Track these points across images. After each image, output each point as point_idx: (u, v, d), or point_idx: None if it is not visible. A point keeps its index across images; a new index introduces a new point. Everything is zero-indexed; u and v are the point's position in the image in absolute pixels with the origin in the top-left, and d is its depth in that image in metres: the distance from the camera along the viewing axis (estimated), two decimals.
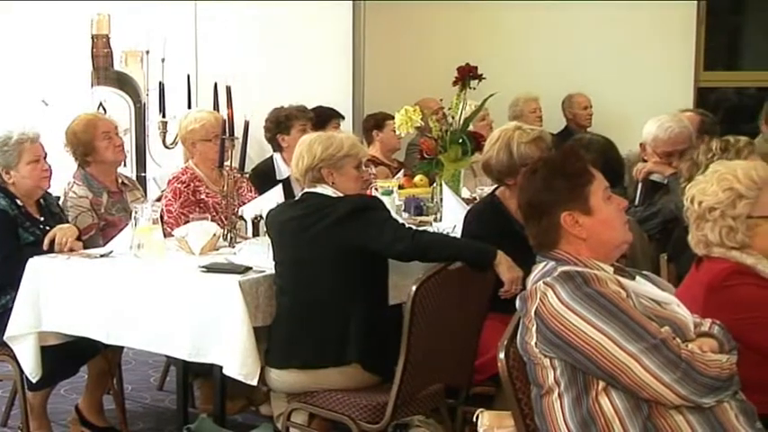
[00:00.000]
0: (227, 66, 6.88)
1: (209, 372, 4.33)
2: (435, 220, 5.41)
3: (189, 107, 6.78)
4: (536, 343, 2.72)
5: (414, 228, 4.12)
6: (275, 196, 5.11)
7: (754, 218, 3.10)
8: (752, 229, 3.11)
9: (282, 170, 6.17)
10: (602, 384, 2.67)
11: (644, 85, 8.52)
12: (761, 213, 3.11)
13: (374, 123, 7.36)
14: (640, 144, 5.45)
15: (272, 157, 6.35)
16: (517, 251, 3.76)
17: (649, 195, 5.22)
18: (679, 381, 2.60)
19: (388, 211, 4.13)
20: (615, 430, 2.66)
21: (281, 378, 3.99)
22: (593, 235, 2.80)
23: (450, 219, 5.11)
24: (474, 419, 2.99)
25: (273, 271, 4.08)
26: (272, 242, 4.16)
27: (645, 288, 2.84)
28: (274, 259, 4.09)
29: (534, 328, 2.71)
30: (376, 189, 5.52)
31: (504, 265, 3.90)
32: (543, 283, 2.72)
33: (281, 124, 6.26)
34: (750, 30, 10.09)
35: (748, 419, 2.72)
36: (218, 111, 5.78)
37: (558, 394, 2.72)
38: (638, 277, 2.89)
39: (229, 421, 4.52)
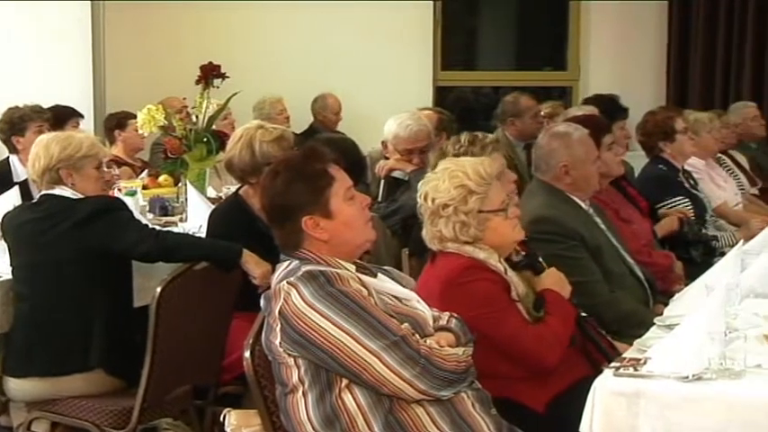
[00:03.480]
0: None
1: None
2: (181, 220, 5.35)
3: None
4: (280, 342, 2.74)
5: (158, 228, 4.06)
6: (12, 199, 4.91)
7: (484, 212, 3.22)
8: (483, 223, 3.22)
9: (19, 172, 5.92)
10: (345, 381, 2.72)
11: (385, 85, 8.74)
12: (490, 208, 3.23)
13: (116, 123, 7.19)
14: (382, 142, 5.57)
15: (7, 158, 6.09)
16: (263, 249, 3.78)
17: (392, 192, 5.34)
18: (418, 376, 2.69)
19: (131, 212, 4.06)
20: (359, 425, 2.72)
21: (21, 387, 3.85)
22: (335, 236, 2.84)
23: (196, 219, 5.05)
24: (222, 419, 2.99)
25: (10, 276, 3.93)
26: (8, 247, 4.01)
27: (386, 285, 2.91)
28: (11, 264, 3.94)
29: (279, 328, 2.73)
30: (119, 190, 5.39)
31: (252, 262, 3.90)
32: (287, 282, 2.75)
33: (15, 125, 6.00)
34: (485, 31, 10.50)
35: (484, 406, 2.86)
36: None
37: (303, 392, 2.75)
38: (379, 274, 2.96)
39: None
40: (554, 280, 3.41)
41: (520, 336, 3.17)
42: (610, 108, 6.63)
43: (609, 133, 4.73)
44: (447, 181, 3.22)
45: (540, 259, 3.49)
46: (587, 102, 7.40)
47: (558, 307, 3.32)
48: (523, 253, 3.48)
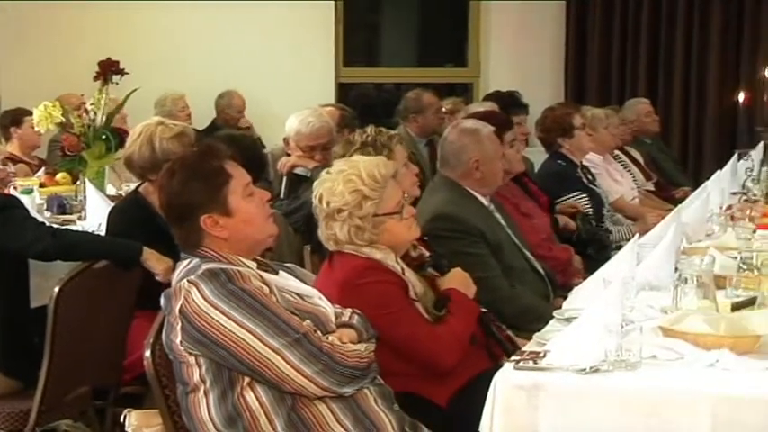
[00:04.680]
0: None
1: None
2: (80, 218, 5.26)
3: None
4: (181, 341, 2.72)
5: (55, 227, 3.98)
6: None
7: (380, 216, 3.22)
8: (378, 226, 3.22)
9: None
10: (246, 379, 2.72)
11: (287, 82, 8.74)
12: (385, 211, 3.22)
13: (11, 120, 7.05)
14: (284, 139, 5.56)
15: None
16: (164, 247, 3.74)
17: (294, 189, 5.32)
18: (320, 373, 2.69)
19: (27, 210, 3.98)
20: (261, 423, 2.72)
21: None
22: (235, 234, 2.82)
23: (95, 217, 4.98)
24: (122, 420, 2.95)
25: None
26: None
27: (288, 282, 2.91)
28: None
29: (179, 326, 2.71)
30: (15, 188, 5.29)
31: (153, 259, 3.86)
32: (187, 280, 2.73)
33: None
34: (387, 27, 10.55)
35: (386, 402, 2.87)
36: None
37: (204, 391, 2.74)
38: (281, 271, 2.95)
39: None
40: (459, 280, 3.44)
41: (417, 336, 3.18)
42: (509, 104, 6.72)
43: (510, 130, 4.79)
44: (342, 185, 3.19)
45: (444, 260, 3.51)
46: (487, 98, 7.49)
47: (461, 307, 3.34)
48: (428, 253, 3.51)
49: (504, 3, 9.17)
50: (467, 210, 4.17)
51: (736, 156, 6.08)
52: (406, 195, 3.37)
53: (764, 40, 8.78)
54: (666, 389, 2.55)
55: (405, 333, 3.16)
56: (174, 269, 2.92)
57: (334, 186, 3.21)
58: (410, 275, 3.27)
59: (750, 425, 2.46)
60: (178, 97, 8.22)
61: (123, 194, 5.37)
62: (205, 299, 2.68)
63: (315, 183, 3.34)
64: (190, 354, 2.72)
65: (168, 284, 2.90)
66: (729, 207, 4.79)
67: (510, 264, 4.19)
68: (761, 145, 5.85)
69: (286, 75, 8.85)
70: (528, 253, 4.38)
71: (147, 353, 2.82)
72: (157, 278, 3.82)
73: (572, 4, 9.14)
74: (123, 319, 3.96)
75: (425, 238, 3.66)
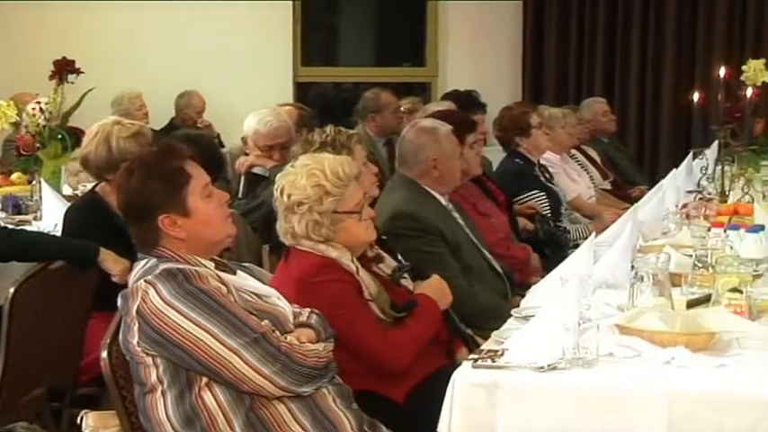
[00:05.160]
0: None
1: None
2: (35, 218, 5.22)
3: None
4: (138, 341, 2.71)
5: (11, 227, 3.95)
6: None
7: (339, 213, 3.22)
8: (336, 223, 3.22)
9: None
10: (204, 380, 2.71)
11: (246, 81, 8.73)
12: (345, 209, 3.23)
13: None
14: (242, 138, 5.54)
15: None
16: (121, 247, 3.72)
17: (252, 188, 5.31)
18: (278, 372, 2.69)
19: None
20: (219, 424, 2.71)
21: None
22: (193, 234, 2.81)
23: (52, 217, 4.94)
24: (79, 421, 2.93)
25: None
26: None
27: (246, 282, 2.90)
28: None
29: (136, 327, 2.70)
30: None
31: (110, 260, 3.84)
32: (144, 281, 2.71)
33: None
34: (345, 27, 10.55)
35: (345, 401, 2.87)
36: None
37: (162, 392, 2.72)
38: (239, 271, 2.94)
39: None
40: (435, 287, 3.45)
41: (368, 337, 3.18)
42: (467, 103, 6.73)
43: (472, 132, 4.81)
44: (305, 178, 3.20)
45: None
46: (445, 97, 7.50)
47: (425, 312, 3.34)
48: (406, 262, 3.52)
49: (462, 3, 9.21)
50: (425, 209, 4.18)
51: (691, 155, 6.13)
52: (367, 195, 3.37)
53: (718, 41, 8.88)
54: (623, 386, 2.58)
55: (357, 333, 3.15)
56: (130, 271, 2.90)
57: (296, 179, 3.22)
58: (364, 276, 3.26)
59: (705, 421, 2.49)
60: (135, 96, 8.17)
61: (80, 194, 5.34)
62: (162, 299, 2.67)
63: (278, 175, 3.34)
64: (147, 354, 2.71)
65: (125, 285, 2.88)
66: (685, 205, 4.84)
67: (468, 263, 4.20)
68: (715, 144, 5.90)
69: (244, 74, 8.83)
70: (486, 252, 4.40)
71: (104, 354, 2.80)
72: (114, 279, 3.80)
73: (529, 4, 9.19)
74: (80, 320, 3.93)
75: (384, 237, 3.67)
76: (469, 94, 7.27)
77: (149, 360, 2.71)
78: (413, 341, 3.26)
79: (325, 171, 3.21)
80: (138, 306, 2.69)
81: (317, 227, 3.20)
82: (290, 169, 3.29)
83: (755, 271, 3.36)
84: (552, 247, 5.53)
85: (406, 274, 3.51)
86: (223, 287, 2.74)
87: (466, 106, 6.47)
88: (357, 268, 3.25)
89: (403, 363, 3.23)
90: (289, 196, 3.21)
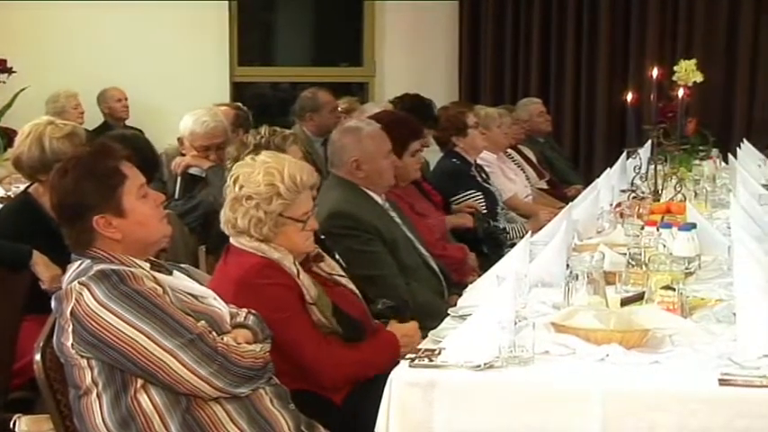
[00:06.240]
0: None
1: None
2: None
3: None
4: (72, 344, 2.68)
5: None
6: None
7: (284, 217, 3.20)
8: (279, 226, 3.20)
9: None
10: (140, 382, 2.69)
11: (182, 81, 8.68)
12: (291, 215, 3.21)
13: None
14: (178, 138, 5.50)
15: None
16: (54, 250, 3.67)
17: (189, 189, 5.28)
18: (215, 373, 2.68)
19: None
20: (155, 426, 2.69)
21: None
22: (129, 235, 2.79)
23: None
24: (12, 426, 2.89)
25: None
26: None
27: (182, 283, 2.88)
28: None
29: (70, 329, 2.67)
30: None
31: (42, 264, 3.80)
32: (78, 282, 2.69)
33: None
34: (282, 26, 10.52)
35: (282, 402, 2.87)
36: None
37: (97, 394, 2.70)
38: (175, 271, 2.92)
39: None
40: (406, 332, 3.43)
41: (303, 343, 3.16)
42: (424, 114, 6.57)
43: (419, 140, 4.83)
44: (261, 175, 3.19)
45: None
46: (398, 103, 7.32)
47: (383, 349, 3.29)
48: (344, 262, 3.55)
49: (399, 2, 9.23)
50: (362, 208, 4.19)
51: (625, 154, 6.20)
52: (316, 210, 3.36)
53: (651, 42, 9.00)
54: (558, 384, 2.61)
55: (292, 338, 3.13)
56: (62, 276, 2.87)
57: (253, 173, 3.20)
58: (305, 279, 3.24)
59: (639, 417, 2.53)
60: (71, 95, 8.08)
61: (12, 195, 5.26)
62: (97, 300, 2.64)
63: (234, 165, 3.33)
64: (81, 356, 2.68)
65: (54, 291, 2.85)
66: (619, 204, 4.89)
67: (405, 261, 4.22)
68: (648, 143, 5.99)
69: (180, 74, 8.78)
70: (423, 250, 4.41)
71: (38, 356, 2.77)
72: (42, 286, 3.76)
73: (465, 4, 9.23)
74: (12, 323, 3.87)
75: (322, 237, 3.67)
76: (429, 105, 7.08)
77: (84, 362, 2.69)
78: (354, 365, 3.24)
79: (283, 173, 3.19)
80: (72, 308, 2.66)
81: (260, 224, 3.18)
82: (248, 161, 3.28)
83: (687, 269, 3.43)
84: (490, 245, 5.57)
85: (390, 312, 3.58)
86: (159, 288, 2.72)
87: (420, 115, 6.34)
88: (298, 271, 3.24)
89: (332, 378, 3.21)
90: (241, 187, 3.20)
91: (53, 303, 2.77)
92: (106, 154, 2.86)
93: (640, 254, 3.45)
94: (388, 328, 3.48)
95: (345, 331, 3.27)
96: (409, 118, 5.16)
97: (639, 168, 5.70)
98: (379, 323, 3.53)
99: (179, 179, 5.34)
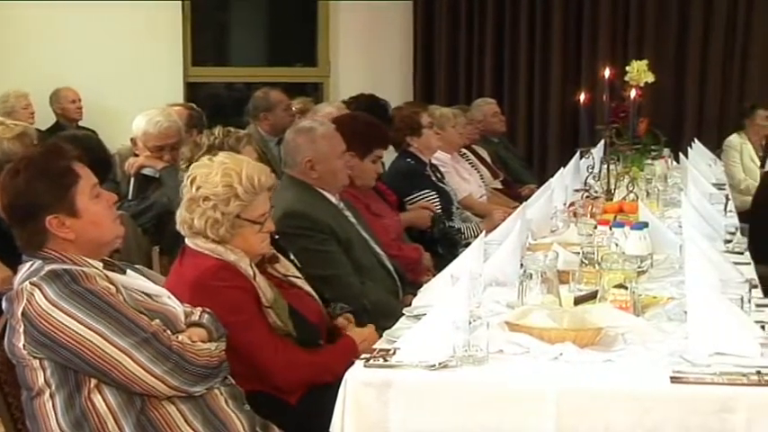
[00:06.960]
0: None
1: None
2: None
3: None
4: (24, 344, 2.66)
5: None
6: None
7: (241, 219, 3.19)
8: (235, 228, 3.19)
9: None
10: (94, 382, 2.67)
11: (135, 81, 8.62)
12: (248, 217, 3.20)
13: None
14: (131, 139, 5.46)
15: None
16: (5, 251, 3.63)
17: (142, 189, 5.24)
18: (170, 372, 2.66)
19: None
20: (109, 427, 2.67)
21: None
22: (82, 235, 2.76)
23: None
24: None
25: None
26: None
27: (136, 282, 2.87)
28: None
29: (22, 330, 2.65)
30: None
31: None
32: (30, 283, 2.66)
33: None
34: (236, 26, 10.48)
35: (237, 402, 2.87)
36: None
37: (50, 395, 2.68)
38: (129, 271, 2.91)
39: None
40: (365, 337, 3.41)
41: (259, 345, 3.15)
42: (378, 114, 6.55)
43: (384, 149, 4.84)
44: (219, 176, 3.17)
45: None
46: (352, 103, 7.28)
47: (338, 354, 3.26)
48: (299, 261, 3.56)
49: (353, 3, 9.23)
50: (316, 207, 4.18)
51: (578, 154, 6.24)
52: (272, 211, 3.35)
53: (603, 43, 9.07)
54: (513, 383, 2.63)
55: (249, 341, 3.12)
56: (13, 277, 2.84)
57: (210, 174, 3.18)
58: (261, 281, 3.22)
59: (593, 415, 2.55)
60: (21, 95, 8.01)
61: None
62: (48, 300, 2.62)
63: (192, 165, 3.30)
64: (34, 357, 2.66)
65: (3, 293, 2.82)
66: (572, 204, 4.93)
67: (360, 261, 4.22)
68: (601, 143, 6.03)
69: (134, 74, 8.72)
70: (378, 250, 4.41)
71: None
72: None
73: (419, 4, 9.26)
74: None
75: (276, 237, 3.66)
76: (383, 105, 7.05)
77: (36, 363, 2.66)
78: (310, 368, 3.23)
79: (241, 174, 3.18)
80: (24, 308, 2.64)
81: (216, 225, 3.17)
82: (206, 161, 3.26)
83: (639, 267, 3.46)
84: (445, 245, 5.58)
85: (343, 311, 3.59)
86: (112, 287, 2.70)
87: (375, 115, 6.32)
88: (254, 273, 3.22)
89: (288, 381, 3.20)
90: (198, 188, 3.18)
91: (4, 304, 2.74)
92: (58, 154, 2.83)
93: (593, 253, 3.48)
94: (347, 332, 3.48)
95: (300, 334, 3.26)
96: (382, 126, 5.16)
97: (592, 168, 5.74)
98: (337, 325, 3.53)
99: (132, 180, 5.30)
